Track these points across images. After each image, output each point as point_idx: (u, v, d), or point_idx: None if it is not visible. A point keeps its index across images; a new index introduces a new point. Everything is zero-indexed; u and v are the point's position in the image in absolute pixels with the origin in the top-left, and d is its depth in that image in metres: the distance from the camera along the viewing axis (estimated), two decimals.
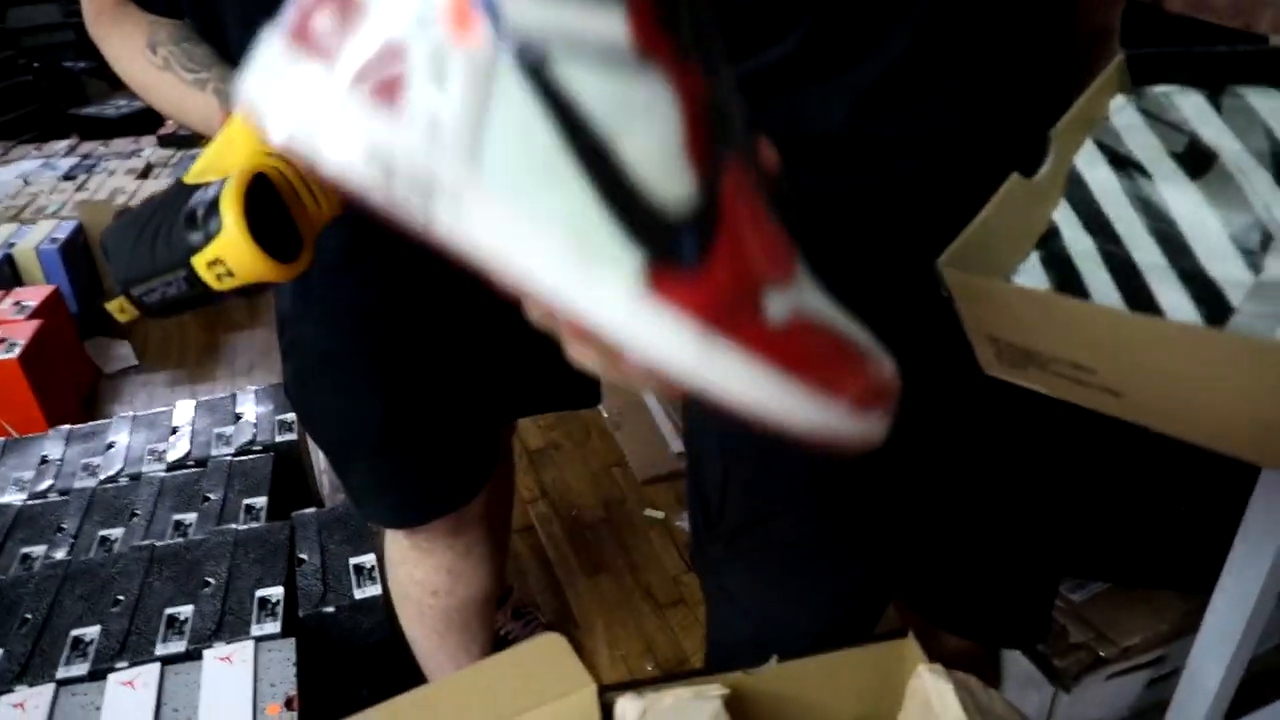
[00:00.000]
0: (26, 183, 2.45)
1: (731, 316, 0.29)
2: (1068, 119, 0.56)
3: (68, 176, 2.47)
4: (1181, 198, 0.52)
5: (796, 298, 0.31)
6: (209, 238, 0.47)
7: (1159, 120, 0.55)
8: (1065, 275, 0.54)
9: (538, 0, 0.25)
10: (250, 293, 0.49)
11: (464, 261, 0.28)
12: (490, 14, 0.25)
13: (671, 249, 0.28)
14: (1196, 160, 0.52)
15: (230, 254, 0.47)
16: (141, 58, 0.66)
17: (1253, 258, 0.49)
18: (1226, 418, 0.48)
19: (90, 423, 1.46)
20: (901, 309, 0.59)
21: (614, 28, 0.26)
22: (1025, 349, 0.54)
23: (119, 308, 0.52)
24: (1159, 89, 0.55)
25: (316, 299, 0.77)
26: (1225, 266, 0.49)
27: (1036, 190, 0.56)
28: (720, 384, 0.29)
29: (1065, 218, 0.56)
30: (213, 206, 0.47)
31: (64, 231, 2.14)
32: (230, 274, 0.48)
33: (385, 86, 0.26)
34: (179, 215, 0.49)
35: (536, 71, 0.26)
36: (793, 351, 0.30)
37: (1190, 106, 0.54)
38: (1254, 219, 0.49)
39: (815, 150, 0.57)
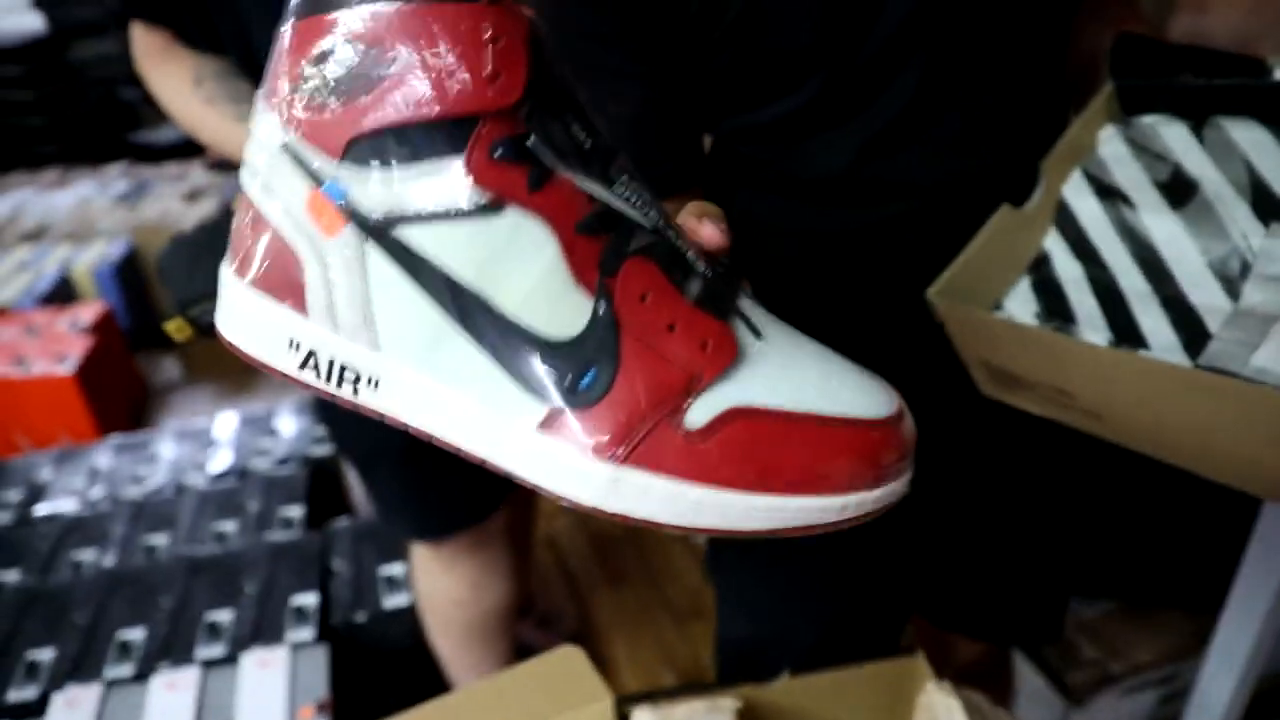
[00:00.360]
0: (83, 205, 2.56)
1: (637, 445, 0.27)
2: (1059, 148, 0.57)
3: (121, 200, 2.58)
4: (1164, 227, 0.53)
5: (729, 392, 0.28)
6: None
7: (1144, 150, 0.56)
8: (1054, 300, 0.56)
9: (379, 181, 0.26)
10: None
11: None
12: (343, 205, 0.27)
13: (568, 393, 0.27)
14: (1179, 190, 0.53)
15: None
16: (188, 93, 0.68)
17: (1231, 285, 0.50)
18: (1199, 445, 0.49)
19: (138, 435, 1.52)
20: (904, 331, 0.61)
21: (453, 185, 0.26)
22: (1012, 374, 0.56)
23: (176, 328, 0.54)
24: (1146, 119, 0.56)
25: None
26: (1204, 294, 0.50)
27: (1026, 219, 0.57)
28: (644, 512, 0.28)
29: (1055, 245, 0.57)
30: None
31: (117, 252, 2.23)
32: None
33: (288, 287, 0.28)
34: None
35: (397, 247, 0.27)
36: (715, 460, 0.28)
37: (1174, 137, 0.55)
38: (1232, 248, 0.50)
39: (818, 190, 0.60)
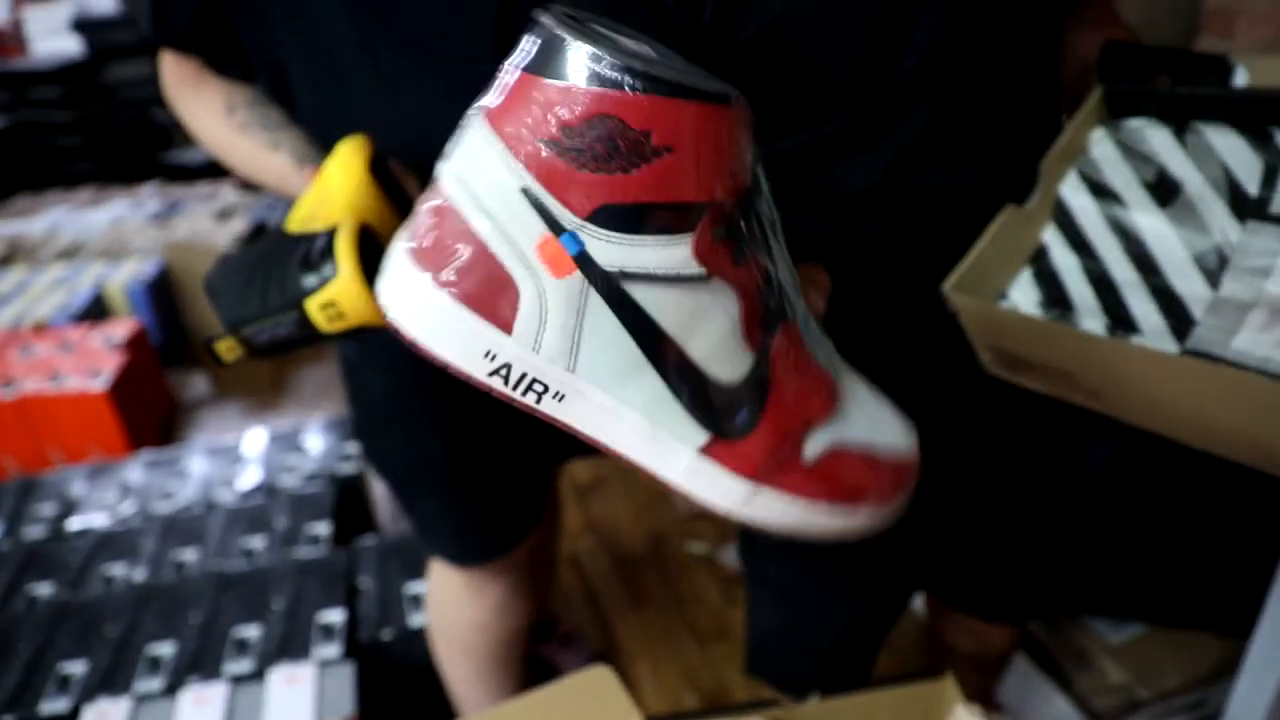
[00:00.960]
0: (117, 224, 2.62)
1: (772, 470, 0.36)
2: (1055, 149, 0.62)
3: (154, 219, 2.63)
4: (1151, 223, 0.58)
5: (832, 432, 0.37)
6: (323, 281, 0.50)
7: (1132, 152, 0.61)
8: (1053, 289, 0.61)
9: (617, 243, 0.31)
10: (352, 335, 0.53)
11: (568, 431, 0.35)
12: (580, 257, 0.32)
13: (727, 425, 0.35)
14: (1164, 190, 0.58)
15: (344, 297, 0.50)
16: (220, 121, 0.69)
17: (1212, 276, 0.55)
18: (1193, 421, 0.53)
19: (169, 451, 1.54)
20: (920, 324, 0.66)
21: (681, 257, 0.32)
22: (1020, 357, 0.61)
23: (227, 348, 0.54)
24: (1133, 122, 0.61)
25: (380, 346, 0.79)
26: (1189, 283, 0.55)
27: (1027, 215, 0.62)
28: (763, 518, 0.37)
29: (1053, 239, 0.62)
30: (326, 253, 0.51)
31: (150, 270, 2.27)
32: (341, 316, 0.51)
33: (497, 308, 0.32)
34: (290, 261, 0.52)
35: (618, 297, 0.32)
36: (823, 482, 0.37)
37: (1159, 140, 0.60)
38: (1213, 243, 0.55)
39: (848, 204, 0.64)
